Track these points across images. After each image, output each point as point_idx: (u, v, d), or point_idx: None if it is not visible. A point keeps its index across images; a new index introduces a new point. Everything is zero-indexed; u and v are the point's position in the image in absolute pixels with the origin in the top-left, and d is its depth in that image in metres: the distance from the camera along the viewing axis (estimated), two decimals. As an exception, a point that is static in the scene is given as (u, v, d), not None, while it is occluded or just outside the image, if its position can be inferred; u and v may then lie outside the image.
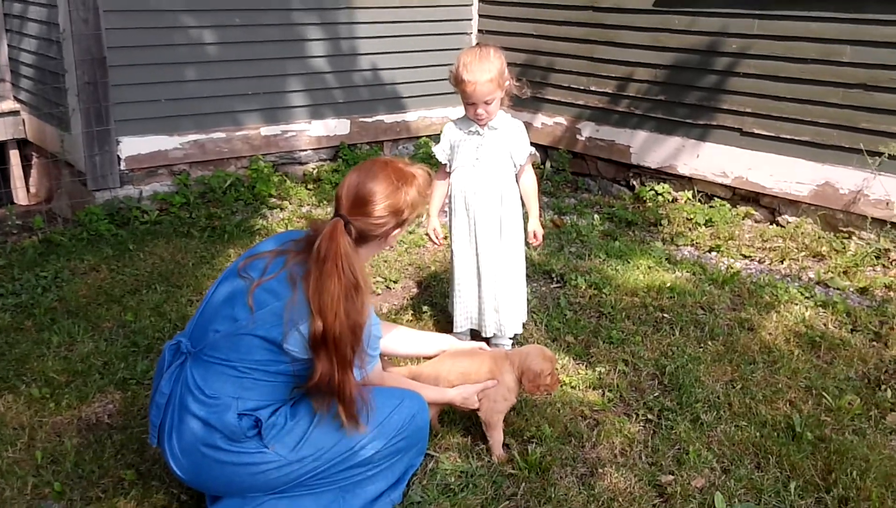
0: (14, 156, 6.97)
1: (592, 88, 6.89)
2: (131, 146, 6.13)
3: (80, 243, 5.56)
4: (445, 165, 3.92)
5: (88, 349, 4.08)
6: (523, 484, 3.07)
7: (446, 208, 3.99)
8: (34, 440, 3.34)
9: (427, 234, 4.02)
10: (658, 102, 6.44)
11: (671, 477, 3.11)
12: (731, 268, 5.14)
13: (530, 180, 3.94)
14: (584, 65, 6.91)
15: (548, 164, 7.27)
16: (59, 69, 6.05)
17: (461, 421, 3.45)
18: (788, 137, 5.68)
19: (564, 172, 7.17)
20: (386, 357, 3.41)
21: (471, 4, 7.77)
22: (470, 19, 7.80)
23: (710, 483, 3.08)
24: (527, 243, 3.98)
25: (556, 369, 3.32)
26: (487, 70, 3.55)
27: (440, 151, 3.92)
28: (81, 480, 3.12)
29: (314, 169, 7.06)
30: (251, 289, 2.66)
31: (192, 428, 2.63)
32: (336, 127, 7.15)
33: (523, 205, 3.94)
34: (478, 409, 3.23)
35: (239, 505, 2.72)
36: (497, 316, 3.91)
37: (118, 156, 6.08)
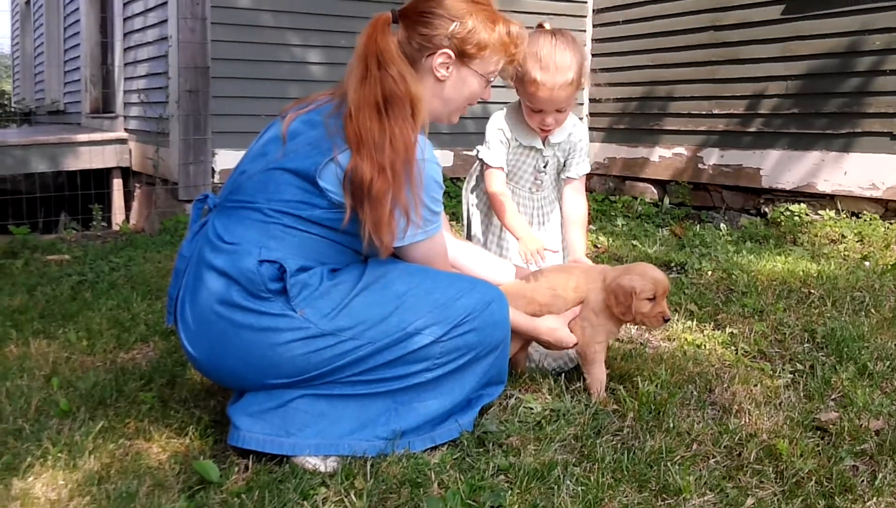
0: (117, 184, 6.92)
1: (716, 112, 6.28)
2: (227, 159, 5.91)
3: (161, 242, 5.26)
4: (500, 169, 2.82)
5: (141, 309, 3.66)
6: (630, 415, 2.34)
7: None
8: (55, 374, 2.86)
9: (524, 255, 2.66)
10: (791, 117, 5.76)
11: (835, 415, 2.31)
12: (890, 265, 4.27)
13: (582, 204, 2.88)
14: (707, 88, 6.35)
15: (666, 199, 6.60)
16: (163, 83, 5.99)
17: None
18: (953, 131, 4.87)
19: (685, 205, 6.47)
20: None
21: (584, 44, 7.41)
22: (582, 58, 7.41)
23: (890, 426, 2.27)
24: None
25: (663, 300, 2.43)
26: (569, 68, 2.57)
27: (493, 155, 2.82)
28: (93, 400, 2.61)
29: (414, 202, 6.64)
30: (286, 121, 2.20)
31: (207, 285, 2.10)
32: (439, 159, 6.76)
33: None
34: (575, 345, 2.53)
35: (263, 401, 2.13)
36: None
37: (212, 168, 5.88)
